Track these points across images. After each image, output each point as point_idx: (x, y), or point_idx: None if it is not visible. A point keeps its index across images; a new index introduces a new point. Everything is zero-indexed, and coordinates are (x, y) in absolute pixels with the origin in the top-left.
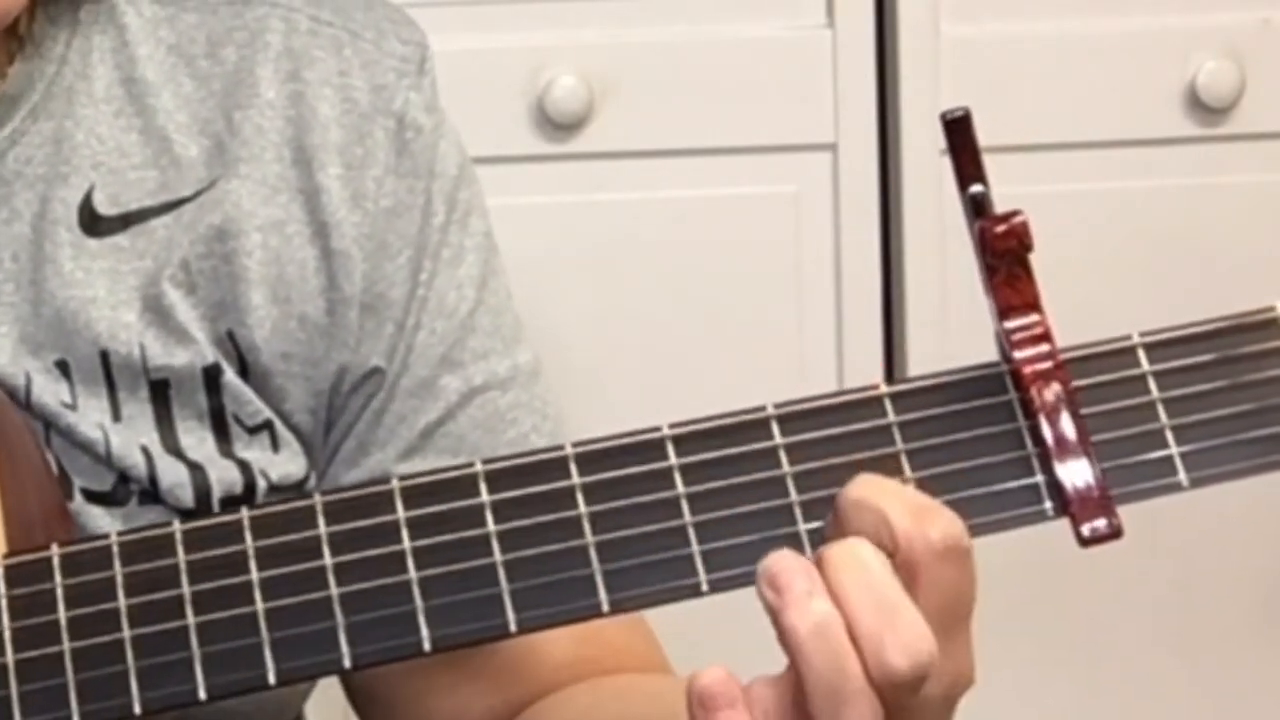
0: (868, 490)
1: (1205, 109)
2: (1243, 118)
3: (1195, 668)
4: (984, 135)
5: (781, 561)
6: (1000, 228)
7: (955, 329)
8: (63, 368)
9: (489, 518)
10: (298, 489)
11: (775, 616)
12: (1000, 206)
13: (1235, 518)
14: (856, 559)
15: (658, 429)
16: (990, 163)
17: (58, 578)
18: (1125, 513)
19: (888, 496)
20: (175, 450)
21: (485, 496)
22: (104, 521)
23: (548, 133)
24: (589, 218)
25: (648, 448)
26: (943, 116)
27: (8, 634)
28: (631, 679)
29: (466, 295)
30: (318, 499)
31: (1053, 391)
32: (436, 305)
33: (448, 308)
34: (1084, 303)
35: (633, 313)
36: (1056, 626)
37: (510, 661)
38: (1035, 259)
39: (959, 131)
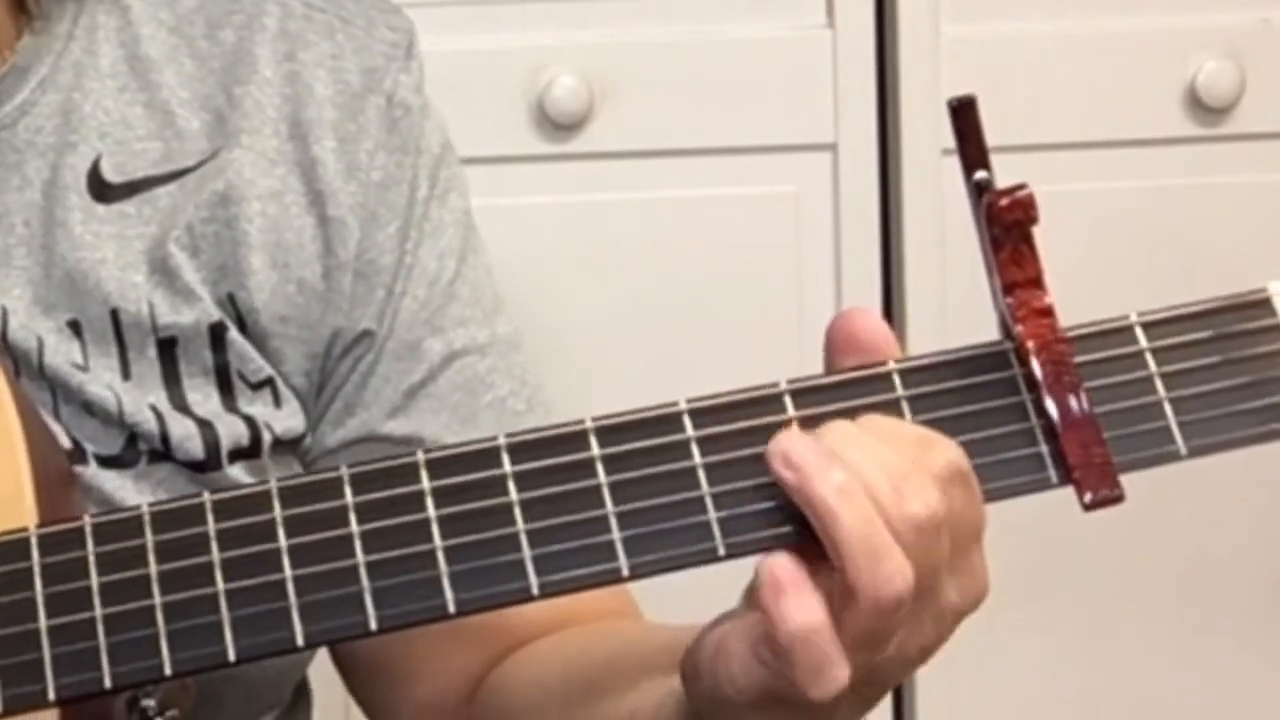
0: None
1: (1205, 109)
2: (1243, 118)
3: (1202, 655)
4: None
5: (791, 439)
6: (1005, 200)
7: (955, 329)
8: (75, 327)
9: (511, 488)
10: (299, 443)
11: (799, 490)
12: None
13: (1243, 498)
14: (857, 432)
15: (674, 404)
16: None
17: (90, 545)
18: (1133, 493)
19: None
20: (183, 407)
21: (508, 467)
22: (115, 484)
23: (548, 133)
24: (589, 218)
25: (665, 421)
26: (949, 102)
27: (41, 599)
28: (612, 624)
29: (447, 265)
30: (344, 470)
31: (1055, 364)
32: (420, 272)
33: (430, 275)
34: (1084, 302)
35: (633, 313)
36: (1064, 613)
37: (489, 619)
38: None
39: (965, 117)
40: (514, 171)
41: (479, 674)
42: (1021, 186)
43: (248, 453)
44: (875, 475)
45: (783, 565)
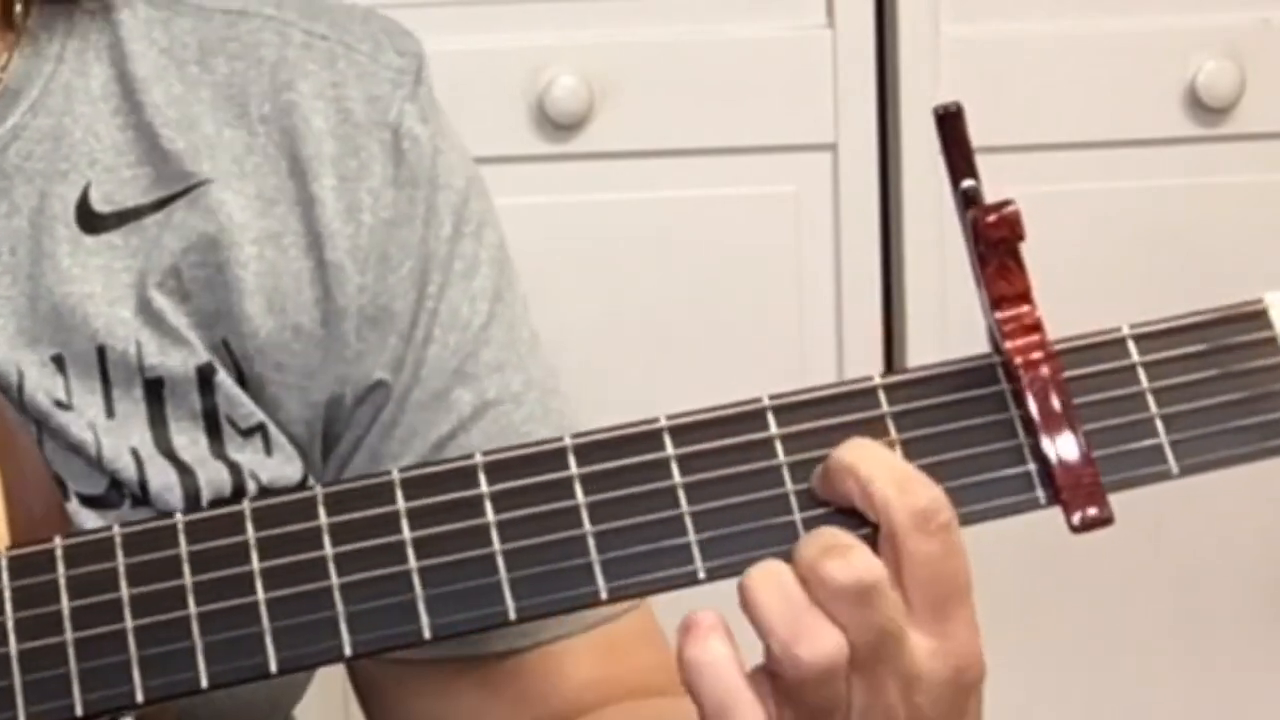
0: (857, 455)
1: (1205, 109)
2: (1242, 118)
3: (1201, 663)
4: (983, 135)
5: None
6: (992, 217)
7: (955, 329)
8: (59, 362)
9: (488, 508)
10: (298, 491)
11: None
12: None
13: (1239, 511)
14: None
15: (655, 420)
16: (989, 163)
17: (60, 568)
18: (1130, 508)
19: (874, 463)
20: (167, 451)
21: (485, 488)
22: (96, 523)
23: (548, 133)
24: (589, 218)
25: (645, 439)
26: (935, 110)
27: (11, 624)
28: (666, 705)
29: (479, 309)
30: (318, 490)
31: (1043, 381)
32: (448, 317)
33: (460, 320)
34: (1083, 303)
35: (632, 313)
36: (1061, 626)
37: (536, 681)
38: (1034, 259)
39: (951, 125)
40: (514, 171)
41: None
42: (1008, 203)
43: (228, 502)
44: (801, 547)
45: (701, 615)
